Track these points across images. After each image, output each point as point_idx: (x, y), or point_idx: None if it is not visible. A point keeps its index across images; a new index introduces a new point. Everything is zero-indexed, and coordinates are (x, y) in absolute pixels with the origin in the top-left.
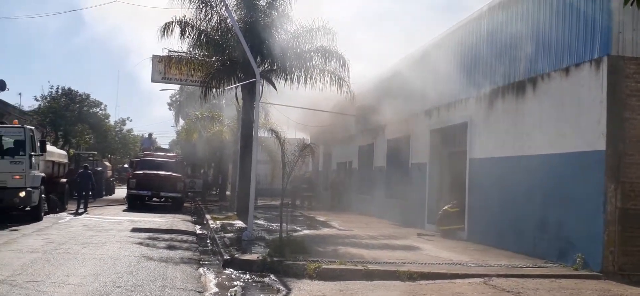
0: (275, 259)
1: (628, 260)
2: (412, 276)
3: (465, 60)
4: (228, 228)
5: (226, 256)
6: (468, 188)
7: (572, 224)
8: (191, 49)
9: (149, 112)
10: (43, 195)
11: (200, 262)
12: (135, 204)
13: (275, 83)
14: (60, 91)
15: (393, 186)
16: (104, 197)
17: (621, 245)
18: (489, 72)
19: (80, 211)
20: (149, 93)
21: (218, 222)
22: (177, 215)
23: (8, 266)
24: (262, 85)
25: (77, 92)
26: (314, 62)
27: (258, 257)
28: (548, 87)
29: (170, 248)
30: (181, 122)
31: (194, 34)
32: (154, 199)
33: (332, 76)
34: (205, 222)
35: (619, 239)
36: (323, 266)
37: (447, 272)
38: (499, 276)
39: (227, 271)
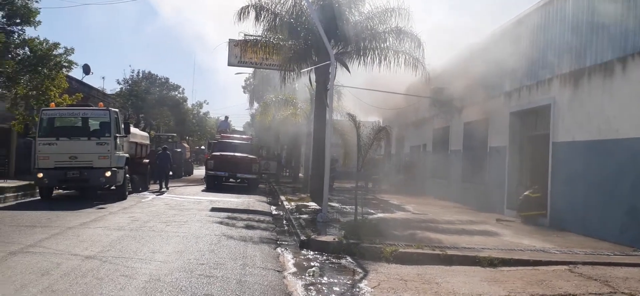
0: (351, 241)
1: None
2: (492, 262)
3: (549, 39)
4: (302, 209)
5: (303, 237)
6: (551, 173)
7: None
8: (266, 33)
9: (223, 96)
10: (127, 175)
11: (278, 242)
12: (212, 184)
13: (348, 65)
14: (141, 74)
15: (470, 170)
16: (183, 177)
17: None
18: (575, 52)
19: (162, 190)
20: (223, 77)
21: (292, 203)
22: (252, 196)
23: (98, 243)
24: (335, 68)
25: (157, 76)
26: (388, 43)
27: (334, 239)
28: (639, 67)
29: (248, 227)
30: (255, 105)
31: (269, 18)
32: (231, 180)
33: (407, 57)
34: (279, 203)
35: None
36: (400, 250)
37: (529, 259)
38: (585, 263)
39: (304, 251)
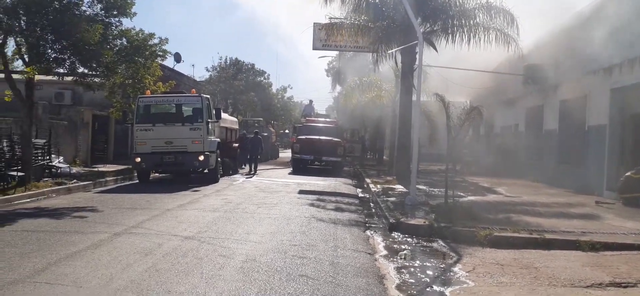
0: (442, 224)
1: None
2: (594, 247)
3: None
4: (389, 192)
5: (392, 220)
6: None
7: None
8: (351, 15)
9: (306, 81)
10: (218, 159)
11: (366, 225)
12: (298, 167)
13: (435, 45)
14: (228, 62)
15: (566, 151)
16: (270, 161)
17: None
18: None
19: (251, 173)
20: (305, 61)
21: (378, 186)
22: (338, 178)
23: (195, 224)
24: (423, 47)
25: (244, 62)
26: (478, 19)
27: (425, 222)
28: None
29: (336, 210)
30: (338, 88)
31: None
32: (316, 163)
33: (498, 34)
34: (365, 186)
35: None
36: (495, 234)
37: (634, 243)
38: None
39: (394, 234)
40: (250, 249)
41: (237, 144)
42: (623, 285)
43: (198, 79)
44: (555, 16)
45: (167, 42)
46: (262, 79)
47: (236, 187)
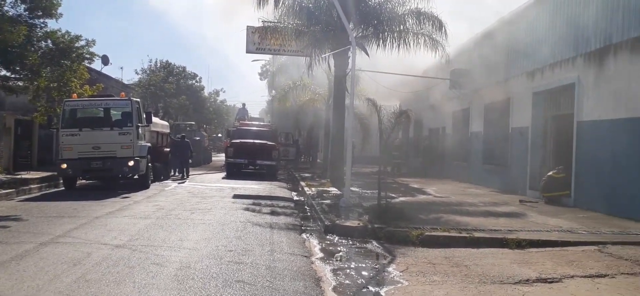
0: (376, 226)
1: None
2: (520, 244)
3: (572, 15)
4: (324, 194)
5: (327, 223)
6: (575, 152)
7: None
8: (285, 18)
9: (239, 83)
10: (149, 164)
11: (302, 228)
12: (232, 171)
13: (367, 49)
14: (158, 64)
15: (491, 152)
16: (202, 165)
17: None
18: (600, 29)
19: (183, 178)
20: (238, 64)
21: (313, 189)
22: (273, 182)
23: (126, 232)
24: (355, 52)
25: (174, 65)
26: (408, 25)
27: (359, 223)
28: None
29: (272, 213)
30: (272, 91)
31: (288, 3)
32: (250, 167)
33: (427, 39)
34: (300, 189)
35: None
36: (426, 233)
37: (557, 239)
38: (614, 243)
39: (329, 237)
40: (184, 256)
41: (168, 149)
42: (549, 280)
43: (127, 82)
44: (480, 21)
45: (94, 44)
46: (193, 82)
47: (168, 193)
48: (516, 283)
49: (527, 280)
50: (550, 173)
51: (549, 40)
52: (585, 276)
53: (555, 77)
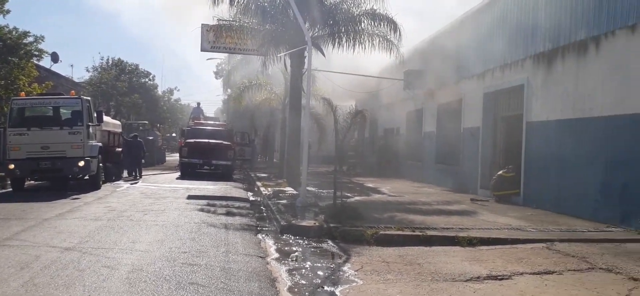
0: (331, 225)
1: None
2: (471, 242)
3: (521, 18)
4: (280, 194)
5: (283, 223)
6: (524, 152)
7: (636, 188)
8: (240, 17)
9: (194, 82)
10: (100, 164)
11: (258, 228)
12: (187, 172)
13: (323, 49)
14: (110, 62)
15: (443, 152)
16: (156, 165)
17: None
18: (548, 31)
19: (136, 178)
20: (193, 63)
21: (269, 189)
22: (228, 183)
23: (76, 234)
24: (311, 51)
25: (127, 63)
26: (363, 25)
27: (315, 223)
28: (612, 45)
29: (227, 214)
30: (228, 90)
31: (244, 1)
32: (205, 167)
33: (381, 40)
34: (256, 189)
35: None
36: (381, 232)
37: (507, 237)
38: (561, 241)
39: (285, 237)
40: (136, 258)
41: (120, 149)
42: (499, 277)
43: (78, 80)
44: (434, 23)
45: (43, 41)
46: (147, 80)
47: (120, 194)
48: (467, 280)
49: (478, 277)
50: (500, 172)
51: (499, 43)
52: (534, 273)
53: (505, 78)
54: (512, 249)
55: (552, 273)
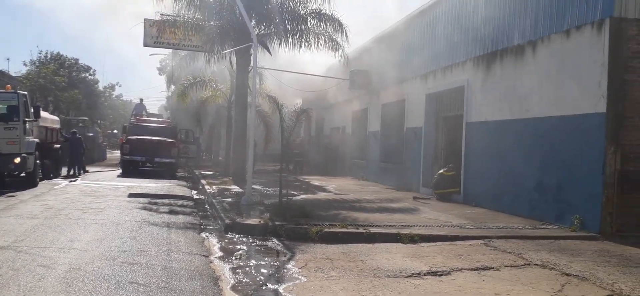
0: (276, 223)
1: (626, 221)
2: (413, 239)
3: (463, 22)
4: (225, 193)
5: (227, 221)
6: (464, 151)
7: (570, 187)
8: (185, 12)
9: (136, 78)
10: (38, 161)
11: (202, 226)
12: (128, 169)
13: (269, 47)
14: (49, 56)
15: (387, 151)
16: (96, 162)
17: (620, 207)
18: (488, 35)
19: (75, 176)
20: (136, 58)
21: (214, 187)
22: (172, 181)
23: (11, 232)
24: (257, 49)
25: (67, 57)
26: (309, 25)
27: (260, 221)
28: (548, 49)
29: (170, 212)
30: (172, 87)
31: None
32: (148, 164)
33: (327, 39)
34: (201, 187)
35: (617, 201)
36: (325, 230)
37: (447, 234)
38: (498, 237)
39: (229, 235)
40: (74, 257)
41: (58, 145)
42: (439, 273)
43: (14, 74)
44: (380, 23)
45: None
46: (87, 75)
47: (58, 191)
48: (408, 276)
49: (419, 273)
50: (441, 171)
51: (441, 45)
52: (472, 269)
53: (446, 80)
54: (452, 246)
55: (489, 268)
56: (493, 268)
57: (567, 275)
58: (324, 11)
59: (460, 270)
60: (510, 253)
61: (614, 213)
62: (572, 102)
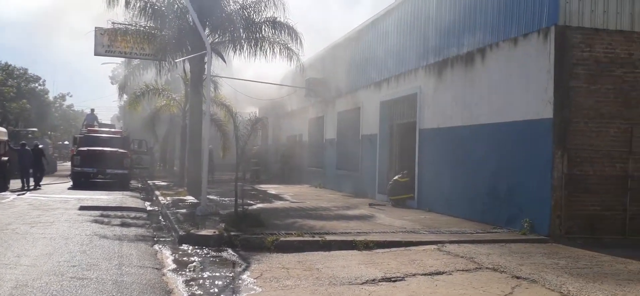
0: (232, 233)
1: (574, 224)
2: (368, 246)
3: (415, 31)
4: (180, 203)
5: (181, 232)
6: (418, 157)
7: (520, 191)
8: (137, 20)
9: (88, 87)
10: None
11: (155, 239)
12: (80, 181)
13: (224, 56)
14: None
15: (344, 158)
16: (47, 174)
17: (567, 209)
18: (439, 43)
19: (24, 189)
20: (86, 68)
21: (168, 198)
22: (124, 192)
23: None
24: (211, 57)
25: (15, 66)
26: (264, 33)
27: (214, 232)
28: (496, 57)
29: (122, 225)
30: (125, 97)
31: (140, 4)
32: (100, 176)
33: (282, 48)
34: (154, 198)
35: (565, 203)
36: (281, 239)
37: (402, 240)
38: (451, 242)
39: (183, 247)
40: (21, 273)
41: (6, 158)
42: (393, 279)
43: None
44: (335, 32)
45: None
46: (36, 85)
47: (5, 205)
48: (363, 283)
49: (374, 280)
50: (395, 177)
51: (394, 53)
52: (426, 274)
53: (400, 87)
54: (406, 251)
55: (442, 273)
56: (446, 272)
57: (517, 277)
58: (278, 19)
59: (414, 275)
60: (462, 257)
61: (562, 215)
62: (520, 108)
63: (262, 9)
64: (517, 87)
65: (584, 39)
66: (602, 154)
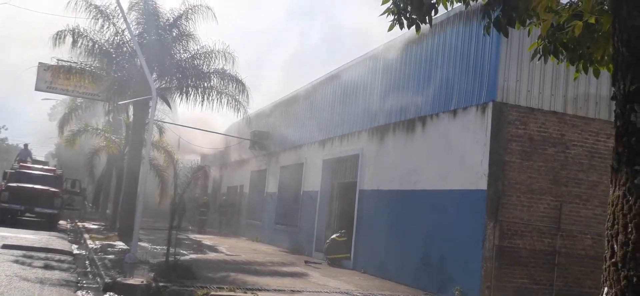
0: (161, 284)
1: (503, 295)
2: None
3: (360, 94)
4: (109, 249)
5: (107, 279)
6: (356, 218)
7: (452, 259)
8: (82, 59)
9: (25, 122)
10: None
11: (79, 284)
12: (6, 218)
13: (170, 102)
14: None
15: (283, 213)
16: None
17: (497, 280)
18: (382, 108)
19: None
20: (25, 103)
21: (97, 242)
22: (52, 233)
23: None
24: (156, 102)
25: None
26: (212, 83)
27: (142, 281)
28: (436, 126)
29: (46, 267)
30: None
31: (87, 45)
32: (27, 214)
33: (230, 99)
34: (82, 241)
35: (495, 275)
36: (212, 293)
37: None
38: None
39: (108, 295)
40: None
41: None
42: None
43: None
44: (283, 89)
45: None
46: None
47: None
48: None
49: None
50: (333, 236)
51: (339, 113)
52: None
53: (343, 147)
54: None
55: None
56: None
57: None
58: (227, 71)
59: None
60: None
61: (492, 286)
62: (456, 178)
63: (213, 59)
64: (455, 157)
65: (520, 116)
66: (532, 229)
